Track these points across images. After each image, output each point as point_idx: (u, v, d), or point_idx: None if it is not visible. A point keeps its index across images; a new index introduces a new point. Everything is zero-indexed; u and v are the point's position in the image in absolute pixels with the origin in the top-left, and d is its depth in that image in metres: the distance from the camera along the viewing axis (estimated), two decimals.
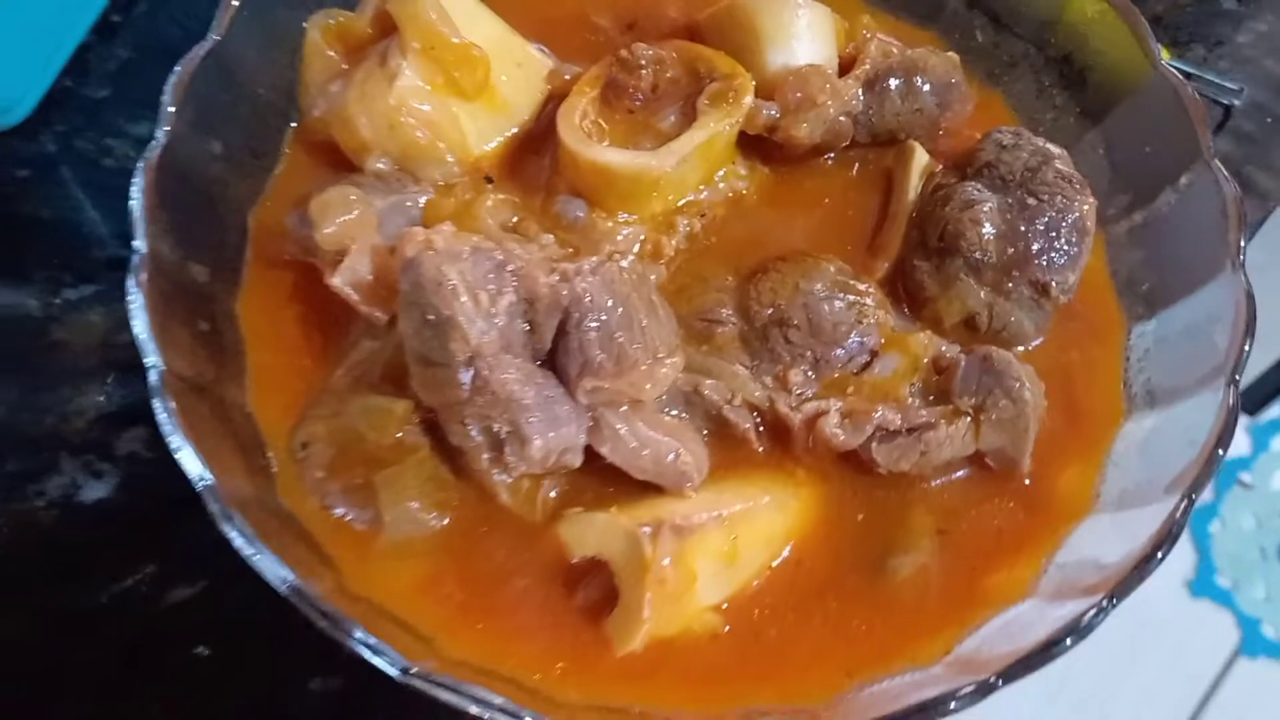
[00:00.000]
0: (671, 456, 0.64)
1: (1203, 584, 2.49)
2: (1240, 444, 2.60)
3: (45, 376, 0.83)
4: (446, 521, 0.65)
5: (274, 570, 0.55)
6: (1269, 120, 0.97)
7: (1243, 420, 2.57)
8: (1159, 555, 0.57)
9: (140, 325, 0.61)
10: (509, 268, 0.63)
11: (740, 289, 0.71)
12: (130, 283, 0.62)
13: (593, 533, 0.63)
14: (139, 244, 0.63)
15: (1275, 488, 2.60)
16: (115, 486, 0.80)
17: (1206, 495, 2.52)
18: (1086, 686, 1.99)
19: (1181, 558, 2.48)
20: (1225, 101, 0.95)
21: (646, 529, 0.60)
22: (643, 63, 0.73)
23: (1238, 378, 0.61)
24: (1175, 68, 0.94)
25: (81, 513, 0.79)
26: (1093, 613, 0.56)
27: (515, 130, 0.76)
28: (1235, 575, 2.49)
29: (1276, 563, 2.52)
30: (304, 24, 0.75)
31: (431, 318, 0.61)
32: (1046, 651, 0.56)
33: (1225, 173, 0.67)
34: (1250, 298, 0.63)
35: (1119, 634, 1.98)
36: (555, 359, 0.64)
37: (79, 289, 0.87)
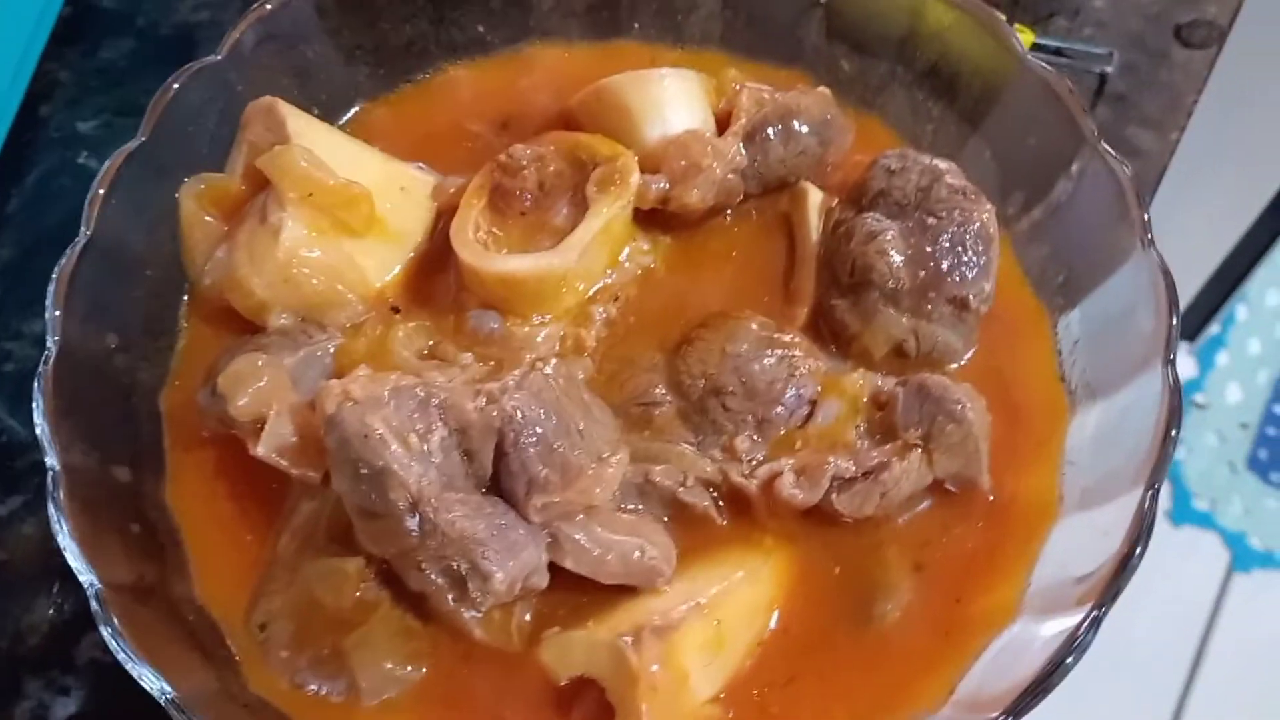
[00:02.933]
0: (637, 554, 0.63)
1: (1182, 511, 2.51)
2: (1187, 367, 2.64)
3: None
4: (424, 671, 0.63)
5: None
6: (1140, 77, 0.98)
7: (1185, 345, 2.61)
8: (1137, 552, 0.57)
9: (68, 544, 0.59)
10: (433, 402, 0.61)
11: (669, 364, 0.70)
12: (50, 504, 0.60)
13: (575, 652, 0.61)
14: (51, 461, 0.61)
15: (1230, 400, 2.64)
16: (84, 698, 0.78)
17: None
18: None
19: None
20: (1098, 69, 0.96)
21: (627, 638, 0.59)
22: (524, 163, 0.73)
23: (1173, 357, 0.61)
24: (1043, 45, 0.96)
25: None
26: (1086, 624, 0.56)
27: (412, 255, 0.75)
28: (1211, 496, 2.52)
29: (1248, 474, 2.56)
30: (176, 195, 0.74)
31: (365, 471, 0.59)
32: (1049, 676, 0.55)
33: (1114, 154, 0.68)
34: (1167, 274, 0.64)
35: None
36: (499, 483, 0.63)
37: (6, 503, 0.85)
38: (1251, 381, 2.65)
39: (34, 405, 0.62)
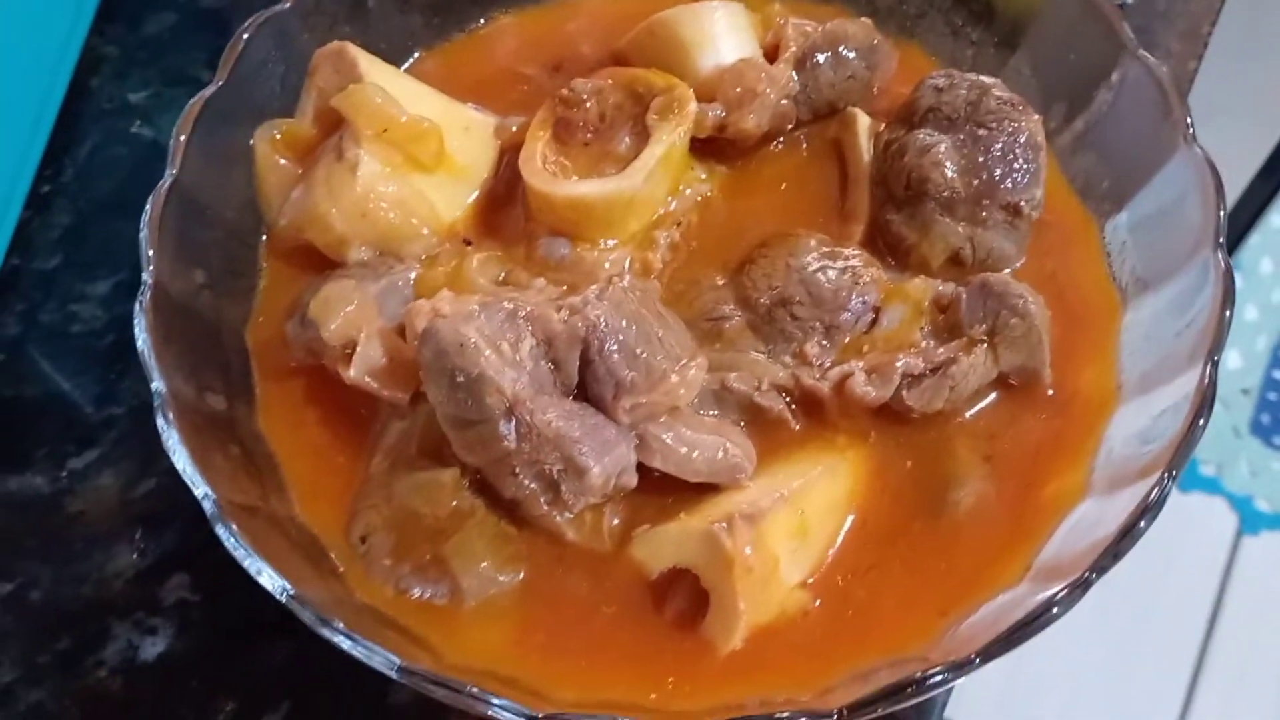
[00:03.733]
0: (721, 452, 0.65)
1: (1189, 478, 2.54)
2: None
3: (72, 549, 0.83)
4: (521, 575, 0.66)
5: (385, 658, 0.55)
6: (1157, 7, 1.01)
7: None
8: (1201, 422, 0.60)
9: (182, 459, 0.61)
10: (520, 314, 0.64)
11: (734, 282, 0.73)
12: (161, 422, 0.62)
13: (667, 545, 0.64)
14: (157, 385, 0.64)
15: (1231, 367, 2.67)
16: (172, 637, 0.79)
17: None
18: (1105, 612, 2.02)
19: None
20: None
21: (721, 525, 0.61)
22: (584, 96, 0.76)
23: (1222, 240, 0.64)
24: None
25: (146, 671, 0.78)
26: (1155, 491, 0.59)
27: (479, 191, 0.78)
28: (1217, 461, 2.55)
29: (1252, 438, 2.59)
30: (249, 141, 0.76)
31: (461, 379, 0.62)
32: (1125, 538, 0.58)
33: (1152, 58, 0.71)
34: (1212, 165, 0.67)
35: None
36: (586, 389, 0.65)
37: (82, 457, 0.86)
38: (1251, 348, 2.68)
39: (136, 329, 0.64)
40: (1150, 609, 2.17)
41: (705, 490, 0.66)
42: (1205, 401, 0.60)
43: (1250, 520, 2.44)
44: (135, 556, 0.82)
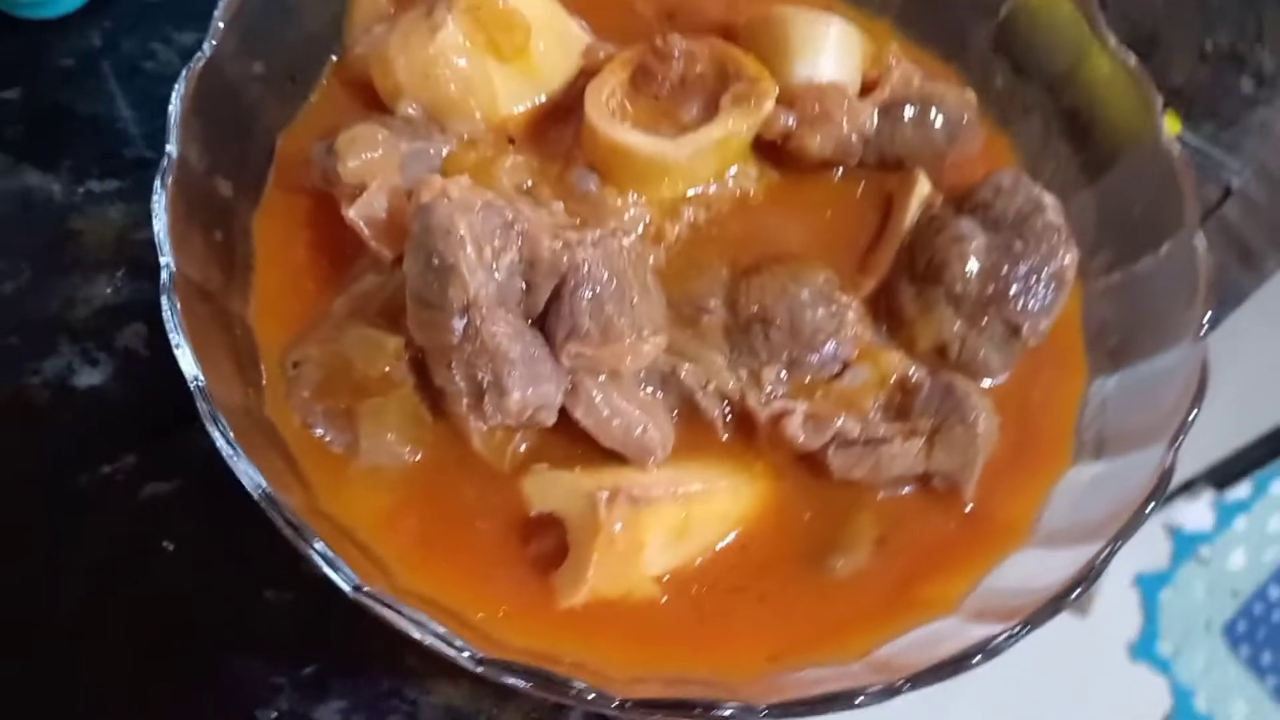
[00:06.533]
0: (640, 430, 0.67)
1: (1144, 648, 2.52)
2: (1204, 518, 2.64)
3: (58, 262, 0.87)
4: (419, 458, 0.68)
5: (251, 476, 0.58)
6: (1253, 207, 1.00)
7: (1210, 495, 2.60)
8: (1073, 595, 0.61)
9: (160, 225, 0.64)
10: (516, 227, 0.66)
11: (732, 282, 0.74)
12: (156, 184, 0.65)
13: (555, 490, 0.66)
14: (171, 148, 0.66)
15: (1231, 566, 2.63)
16: (108, 376, 0.83)
17: (1162, 562, 2.57)
18: None
19: (1128, 619, 2.52)
20: (1225, 180, 0.98)
21: (604, 494, 0.63)
22: (676, 54, 0.76)
23: (1180, 440, 0.65)
24: (1184, 140, 0.98)
25: (73, 396, 0.83)
26: (1004, 637, 0.60)
27: (544, 98, 0.79)
28: (1178, 643, 2.53)
29: (1220, 638, 2.56)
30: None
31: (436, 262, 0.64)
32: (956, 666, 0.59)
33: (1204, 248, 0.71)
34: (1205, 370, 0.67)
35: (1053, 682, 2.02)
36: (545, 321, 0.67)
37: (103, 183, 0.90)
38: (1258, 556, 2.64)
39: (173, 92, 0.67)
40: None
41: (612, 457, 0.68)
42: (1082, 580, 0.60)
43: (1182, 713, 2.43)
44: (108, 291, 0.86)
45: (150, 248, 0.86)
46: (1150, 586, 2.56)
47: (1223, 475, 2.57)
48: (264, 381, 0.69)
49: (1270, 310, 1.06)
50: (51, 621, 0.76)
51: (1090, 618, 2.45)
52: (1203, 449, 2.31)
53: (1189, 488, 2.54)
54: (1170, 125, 0.96)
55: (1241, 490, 2.67)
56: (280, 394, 0.69)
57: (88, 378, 0.83)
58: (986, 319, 0.72)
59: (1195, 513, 2.61)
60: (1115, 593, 2.52)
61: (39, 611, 0.76)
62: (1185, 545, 2.60)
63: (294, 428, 0.68)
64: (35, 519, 0.78)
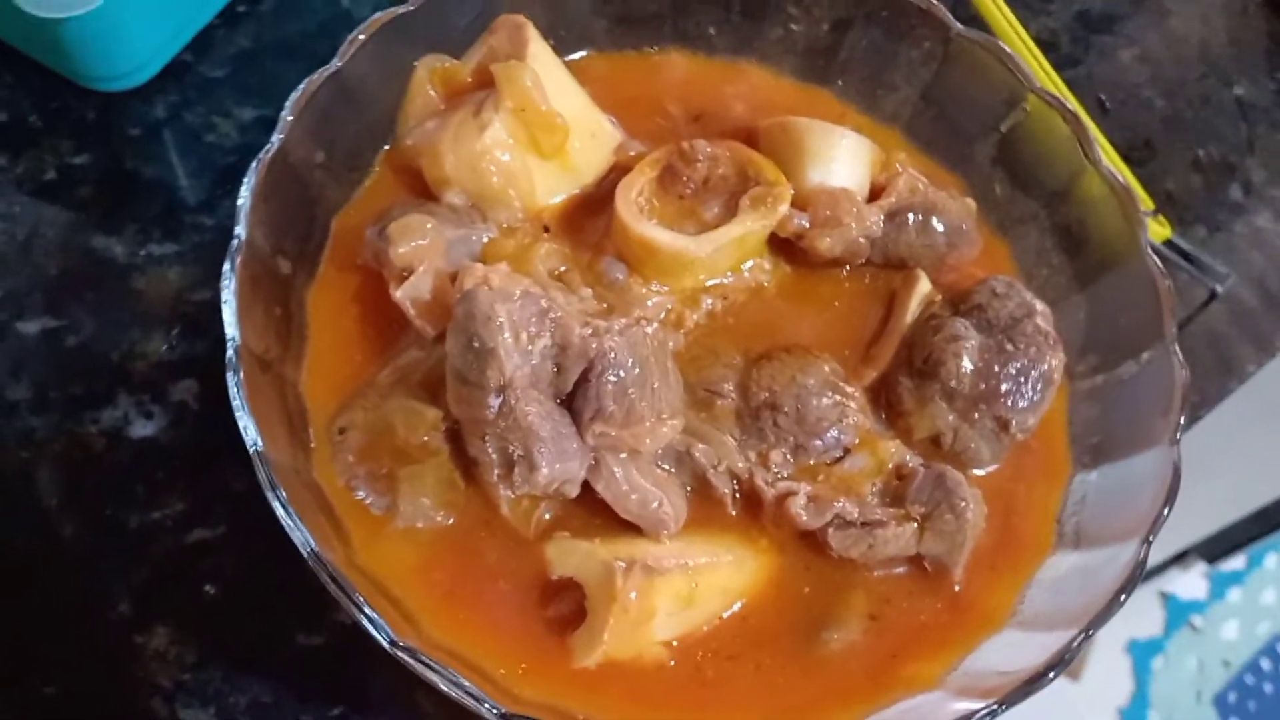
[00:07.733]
0: (655, 504, 0.73)
1: (1135, 715, 2.55)
2: (1198, 589, 2.68)
3: (120, 318, 0.93)
4: (451, 521, 0.74)
5: (302, 537, 0.64)
6: (1240, 310, 1.07)
7: (1203, 567, 2.64)
8: (1049, 676, 0.66)
9: (228, 304, 0.70)
10: (550, 315, 0.72)
11: (745, 369, 0.80)
12: (226, 266, 0.71)
13: (575, 557, 0.72)
14: (240, 230, 0.73)
15: (1224, 637, 2.67)
16: (161, 428, 0.90)
17: (1156, 631, 2.61)
18: None
19: (1119, 684, 2.56)
20: (1211, 285, 1.05)
21: (621, 563, 0.69)
22: (700, 157, 0.83)
23: (1151, 539, 0.70)
24: (1175, 244, 1.05)
25: (127, 445, 0.89)
26: (983, 714, 0.65)
27: (578, 191, 0.86)
28: (1168, 713, 2.56)
29: (1210, 709, 2.59)
30: (415, 63, 0.85)
31: (476, 345, 0.70)
32: None
33: (1181, 358, 0.77)
34: (1177, 472, 0.72)
35: None
36: (573, 401, 0.73)
37: (163, 245, 0.97)
38: (1251, 628, 2.68)
39: (244, 181, 0.73)
40: None
41: (628, 528, 0.74)
42: (1053, 666, 0.66)
43: None
44: (165, 348, 0.93)
45: (204, 308, 0.94)
46: (1142, 654, 2.59)
47: (1215, 548, 2.61)
48: (312, 444, 0.75)
49: (1268, 394, 1.11)
50: (93, 650, 0.82)
51: (1082, 682, 2.48)
52: (1197, 521, 2.35)
53: (1182, 558, 2.58)
54: (1162, 230, 1.03)
55: (1236, 561, 2.71)
56: (326, 457, 0.75)
57: (141, 429, 0.89)
58: (978, 414, 0.78)
59: (1189, 582, 2.64)
60: (1107, 658, 2.55)
61: (83, 639, 0.82)
62: (1179, 615, 2.64)
63: (337, 489, 0.74)
64: (86, 553, 0.84)
